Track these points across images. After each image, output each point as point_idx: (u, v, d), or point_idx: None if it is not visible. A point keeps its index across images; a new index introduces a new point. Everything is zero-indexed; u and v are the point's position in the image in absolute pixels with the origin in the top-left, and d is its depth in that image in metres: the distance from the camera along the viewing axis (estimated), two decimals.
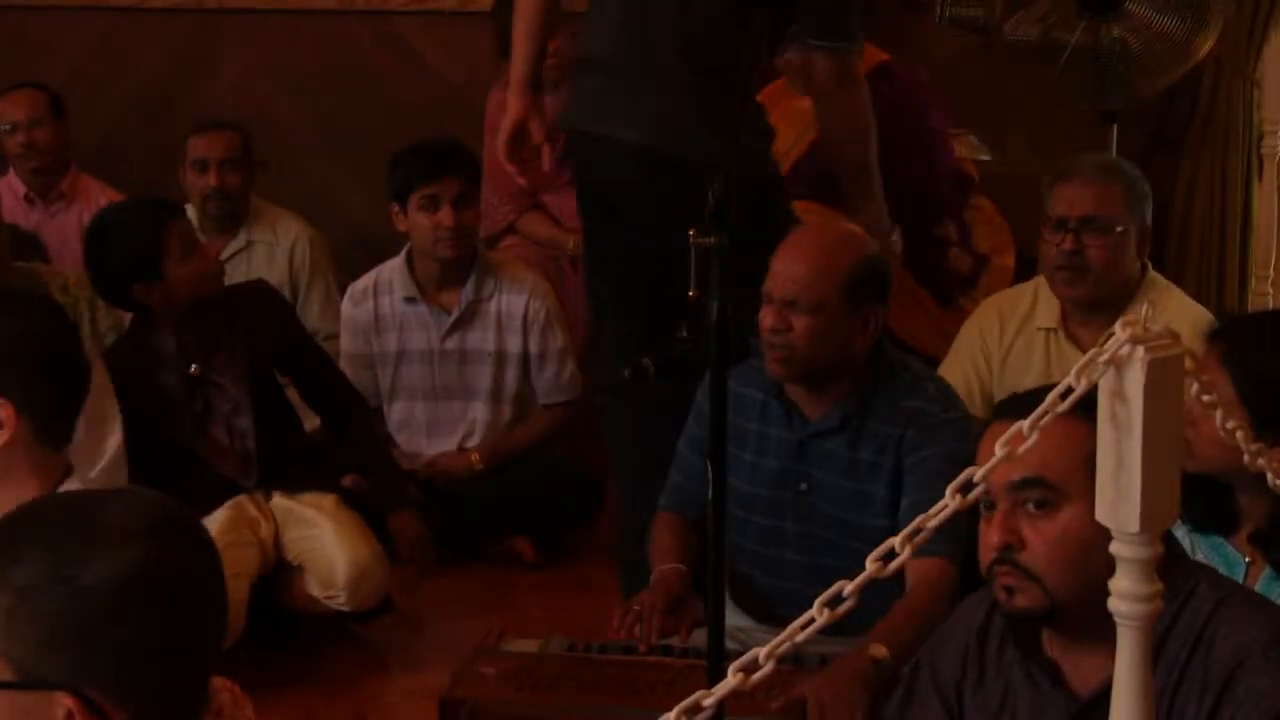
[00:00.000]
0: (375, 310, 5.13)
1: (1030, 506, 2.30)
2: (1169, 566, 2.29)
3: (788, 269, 3.49)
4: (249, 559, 4.31)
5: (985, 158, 6.30)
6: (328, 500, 4.44)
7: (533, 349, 5.14)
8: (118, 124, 6.47)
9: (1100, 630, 2.29)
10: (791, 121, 5.30)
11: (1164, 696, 2.26)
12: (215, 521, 4.27)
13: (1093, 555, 2.24)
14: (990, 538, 2.32)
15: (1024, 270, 4.99)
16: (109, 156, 6.30)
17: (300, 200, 5.97)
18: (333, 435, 4.74)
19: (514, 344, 5.13)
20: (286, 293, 5.45)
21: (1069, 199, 3.96)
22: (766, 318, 3.49)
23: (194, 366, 4.40)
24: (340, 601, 4.31)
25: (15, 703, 1.81)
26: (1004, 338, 4.13)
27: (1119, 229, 3.91)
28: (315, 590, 4.33)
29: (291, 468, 4.49)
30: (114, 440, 4.07)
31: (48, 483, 2.92)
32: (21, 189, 5.88)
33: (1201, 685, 2.25)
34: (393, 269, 5.17)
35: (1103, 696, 2.28)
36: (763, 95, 5.21)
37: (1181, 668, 2.27)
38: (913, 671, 2.66)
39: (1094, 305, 3.97)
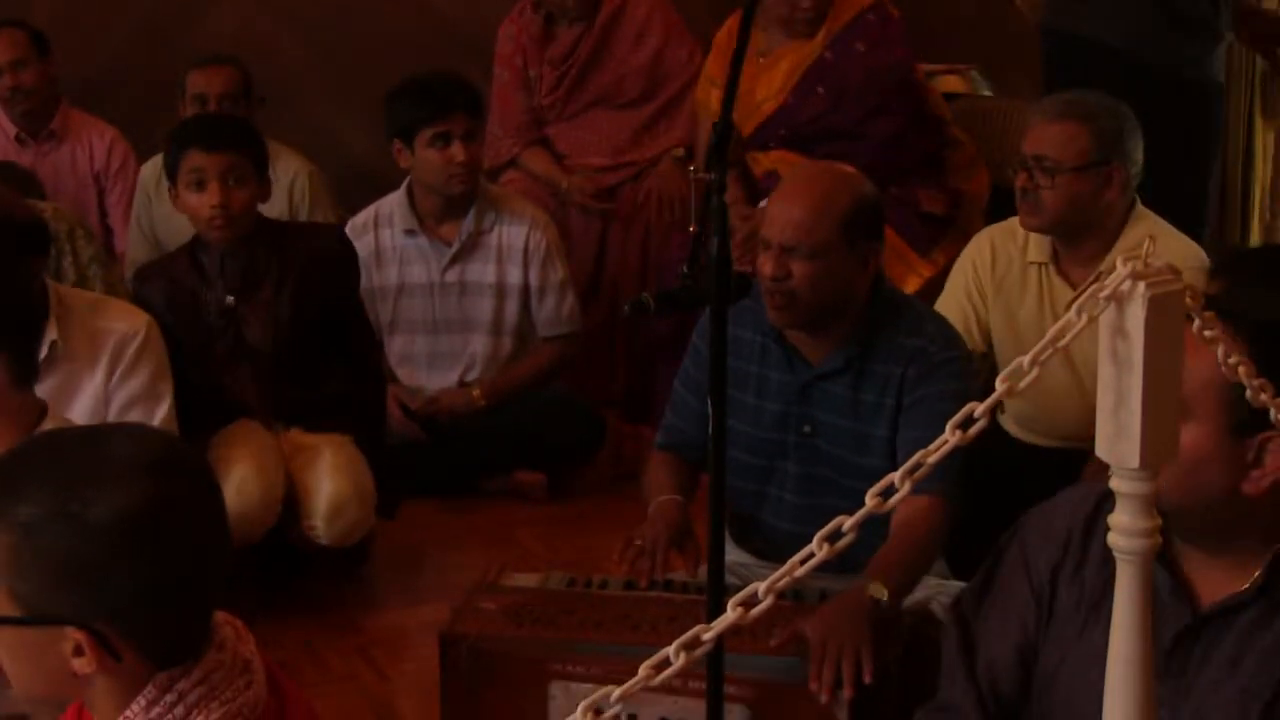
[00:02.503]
0: (375, 243, 5.13)
1: None
2: None
3: (785, 213, 3.45)
4: (279, 463, 4.31)
5: (986, 93, 6.30)
6: (338, 437, 4.40)
7: (533, 281, 5.14)
8: (116, 58, 6.44)
9: (1241, 547, 2.29)
10: (767, 77, 5.30)
11: None
12: (247, 423, 4.31)
13: (1201, 475, 2.24)
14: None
15: (1001, 198, 4.99)
16: (107, 91, 6.27)
17: (299, 135, 5.95)
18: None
19: (514, 276, 5.13)
20: None
21: (1032, 135, 3.96)
22: (766, 265, 3.44)
23: (229, 298, 4.40)
24: (318, 533, 4.29)
25: (24, 638, 1.82)
26: (996, 270, 4.13)
27: (1072, 169, 3.89)
28: (301, 519, 4.30)
29: (316, 415, 4.44)
30: (162, 409, 4.00)
31: (26, 424, 2.92)
32: (12, 130, 5.83)
33: None
34: (393, 202, 5.16)
35: (1221, 611, 2.29)
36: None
37: None
38: (997, 555, 2.61)
39: (1065, 238, 4.00)
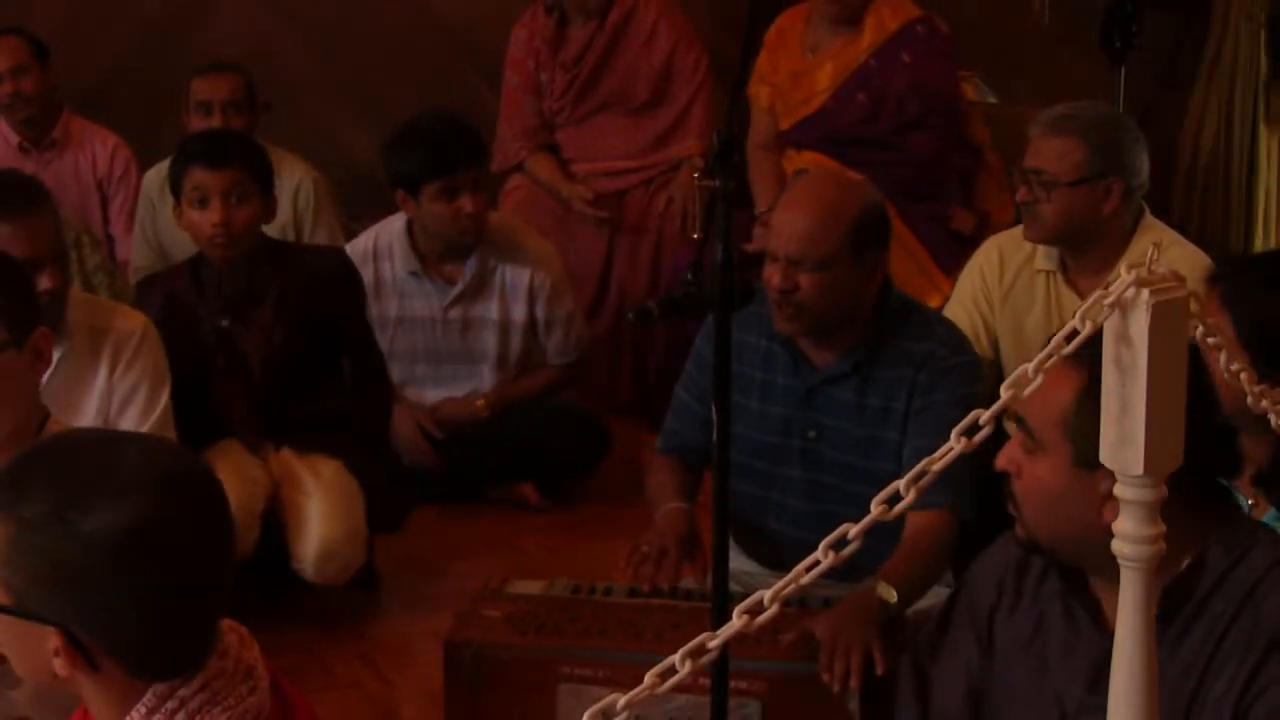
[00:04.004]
0: (375, 275, 5.06)
1: (1027, 441, 2.32)
2: (1226, 522, 2.30)
3: (791, 225, 3.45)
4: (261, 480, 4.31)
5: (990, 99, 6.30)
6: (329, 466, 4.36)
7: (539, 316, 5.11)
8: (117, 64, 6.44)
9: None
10: (810, 77, 5.31)
11: (1204, 653, 2.26)
12: (224, 446, 4.30)
13: (1061, 509, 2.29)
14: (999, 460, 2.35)
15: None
16: (108, 97, 6.27)
17: (302, 138, 5.94)
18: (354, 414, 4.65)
19: (519, 313, 5.09)
20: (290, 235, 5.43)
21: (1030, 149, 3.96)
22: (774, 276, 3.44)
23: (224, 320, 4.39)
24: (307, 575, 4.26)
25: (15, 627, 1.84)
26: (1004, 277, 4.13)
27: (1068, 183, 3.87)
28: (291, 558, 4.28)
29: (309, 433, 4.42)
30: (163, 399, 3.98)
31: (28, 430, 2.94)
32: (14, 138, 5.83)
33: (1246, 644, 2.24)
34: (392, 235, 5.09)
35: None
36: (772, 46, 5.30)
37: (1226, 625, 2.26)
38: (950, 599, 2.67)
39: (1069, 248, 4.00)
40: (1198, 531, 2.30)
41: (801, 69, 5.31)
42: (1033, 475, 2.31)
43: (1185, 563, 2.30)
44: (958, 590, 2.67)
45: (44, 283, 3.63)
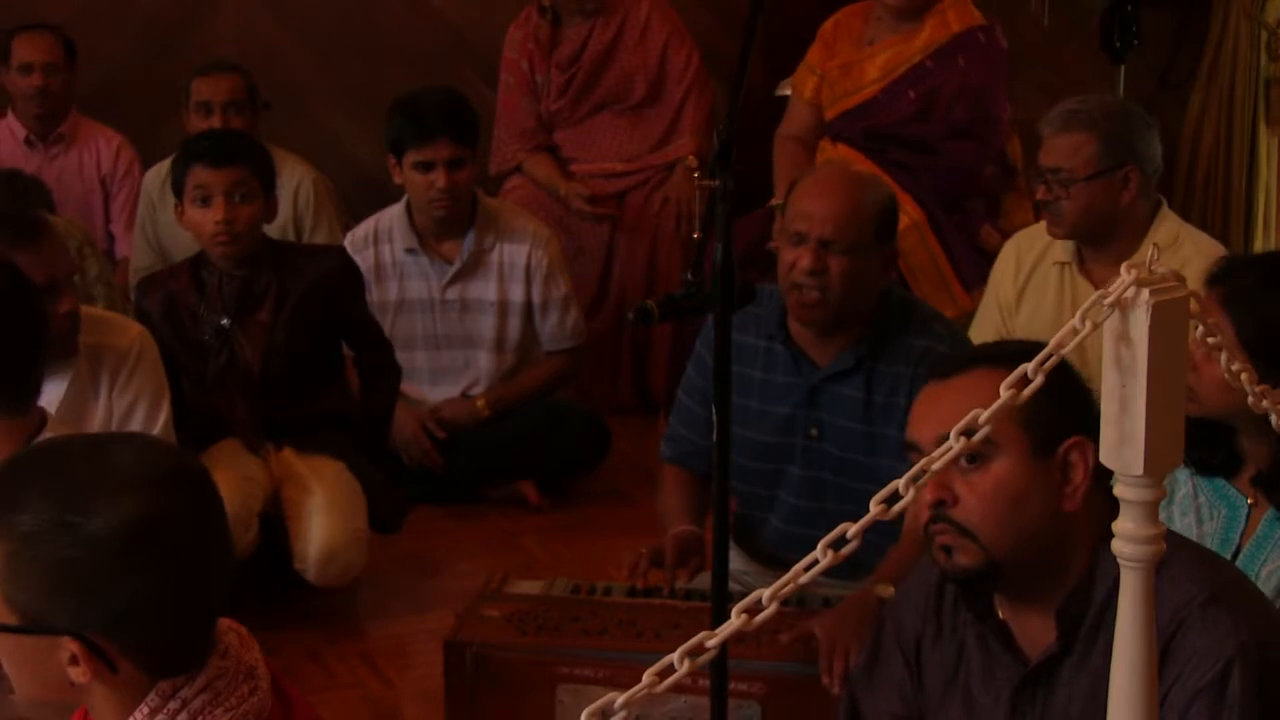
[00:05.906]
0: (376, 258, 5.08)
1: (962, 461, 2.28)
2: (1103, 521, 2.30)
3: (825, 208, 3.46)
4: (260, 479, 4.31)
5: None
6: (331, 467, 4.37)
7: (535, 298, 5.11)
8: (121, 62, 6.44)
9: (1043, 590, 2.32)
10: (861, 68, 5.30)
11: (1108, 665, 2.26)
12: (223, 446, 4.30)
13: (1026, 505, 2.28)
14: (924, 496, 2.29)
15: None
16: (110, 97, 6.27)
17: (303, 140, 5.95)
18: (361, 404, 4.68)
19: (517, 293, 5.10)
20: (290, 235, 5.43)
21: (1044, 148, 3.98)
22: (804, 258, 3.43)
23: (225, 320, 4.39)
24: (308, 576, 4.27)
25: (22, 645, 1.82)
26: (1019, 275, 4.15)
27: (1086, 178, 3.89)
28: (293, 559, 4.29)
29: (309, 433, 4.43)
30: (161, 414, 3.95)
31: (26, 432, 2.93)
32: (22, 132, 5.84)
33: None
34: (392, 217, 5.12)
35: (1048, 663, 2.33)
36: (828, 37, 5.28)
37: None
38: (878, 630, 2.67)
39: (1091, 242, 4.01)
40: (1086, 535, 2.31)
41: (854, 60, 5.31)
42: (985, 485, 2.29)
43: (1077, 576, 2.31)
44: (884, 621, 2.66)
45: (64, 305, 3.62)
